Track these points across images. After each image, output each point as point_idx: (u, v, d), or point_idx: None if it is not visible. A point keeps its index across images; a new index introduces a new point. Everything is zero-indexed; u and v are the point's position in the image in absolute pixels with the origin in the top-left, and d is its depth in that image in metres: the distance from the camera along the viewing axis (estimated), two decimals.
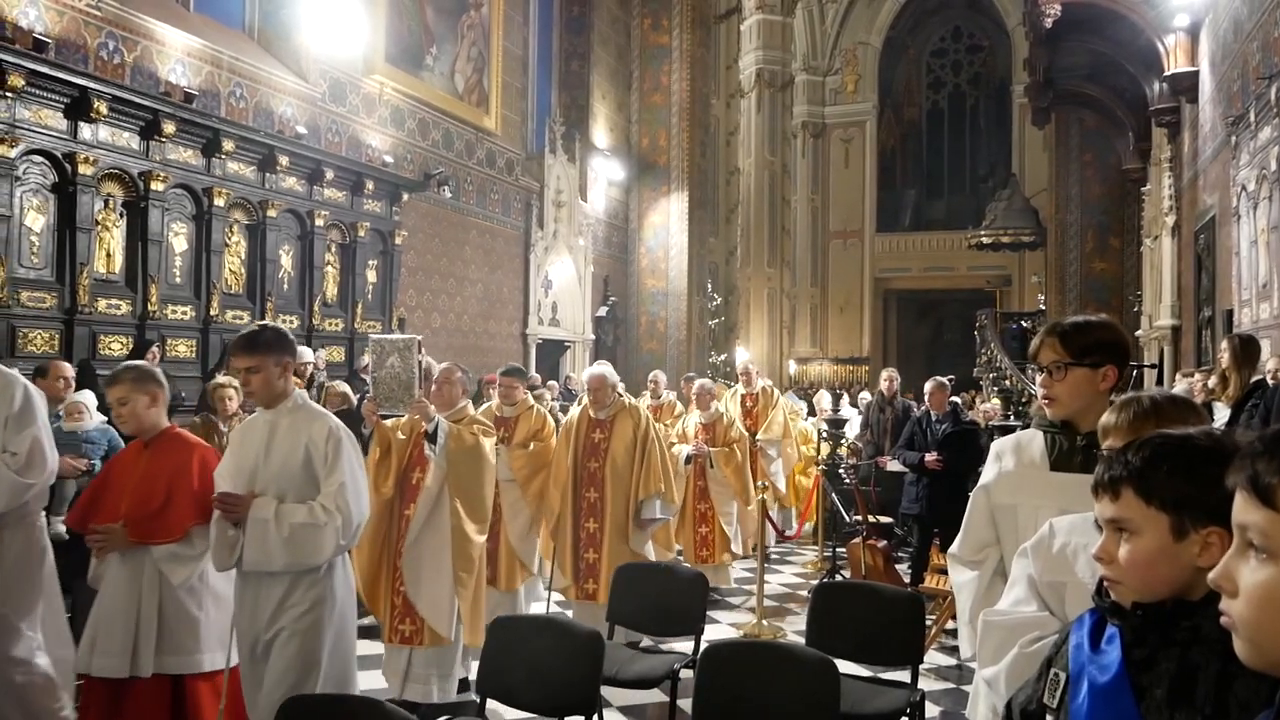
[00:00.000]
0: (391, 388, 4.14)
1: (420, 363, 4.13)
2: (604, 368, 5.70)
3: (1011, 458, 2.29)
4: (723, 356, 18.18)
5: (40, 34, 7.15)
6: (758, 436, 8.07)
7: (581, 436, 5.54)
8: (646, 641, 4.83)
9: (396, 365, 4.09)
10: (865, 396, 12.62)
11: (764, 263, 22.39)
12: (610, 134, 16.94)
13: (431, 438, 4.23)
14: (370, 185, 10.41)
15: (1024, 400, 13.14)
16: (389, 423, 4.46)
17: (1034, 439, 2.27)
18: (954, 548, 2.36)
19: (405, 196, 11.17)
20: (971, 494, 2.38)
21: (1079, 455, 2.16)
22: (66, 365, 5.51)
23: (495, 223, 13.72)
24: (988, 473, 2.34)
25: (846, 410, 11.52)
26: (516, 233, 14.28)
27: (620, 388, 8.64)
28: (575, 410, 5.79)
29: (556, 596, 5.67)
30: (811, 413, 10.98)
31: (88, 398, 5.47)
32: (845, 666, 3.11)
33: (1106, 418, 1.75)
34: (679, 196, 17.31)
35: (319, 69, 10.21)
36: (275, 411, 3.09)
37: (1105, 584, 1.30)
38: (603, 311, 16.38)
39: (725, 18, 19.36)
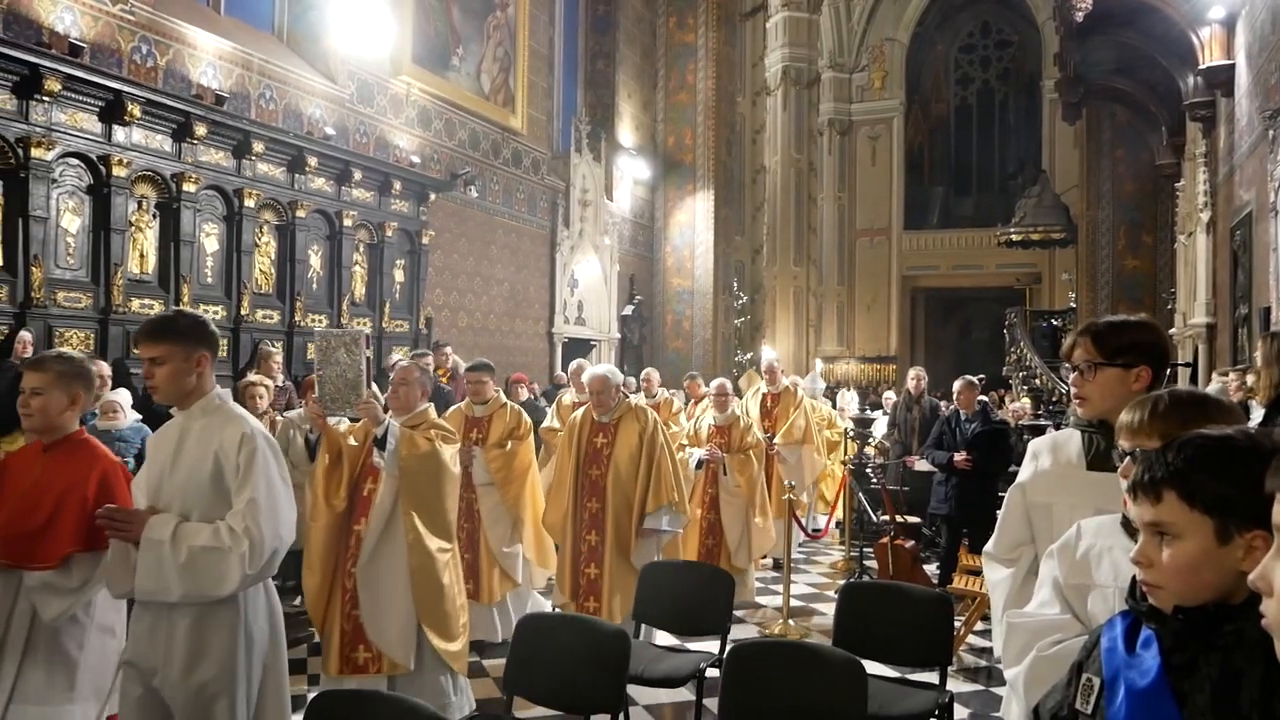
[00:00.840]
0: (338, 387, 3.76)
1: (368, 359, 3.78)
2: (606, 367, 5.32)
3: (1048, 456, 2.27)
4: (748, 355, 18.13)
5: (76, 39, 7.27)
6: (775, 439, 7.69)
7: (583, 441, 5.12)
8: (673, 640, 4.83)
9: (344, 361, 3.73)
10: (890, 396, 12.51)
11: (790, 261, 22.29)
12: (636, 133, 16.94)
13: (381, 443, 3.81)
14: (398, 185, 10.49)
15: (1054, 399, 13.00)
16: (343, 426, 4.08)
17: (1071, 438, 2.25)
18: (989, 546, 2.35)
19: (432, 196, 11.24)
20: (1007, 492, 2.36)
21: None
22: (103, 364, 5.61)
23: (521, 222, 13.77)
24: (1024, 471, 2.33)
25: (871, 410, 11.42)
26: (543, 232, 14.32)
27: (654, 384, 8.55)
28: (578, 413, 5.36)
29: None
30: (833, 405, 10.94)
31: (123, 396, 5.56)
32: (872, 667, 3.09)
33: (1123, 416, 1.72)
34: (705, 195, 17.29)
35: (347, 70, 10.29)
36: (187, 414, 2.65)
37: (1143, 588, 1.27)
38: (628, 310, 16.39)
39: (751, 15, 19.31)
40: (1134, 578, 1.31)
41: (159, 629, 2.53)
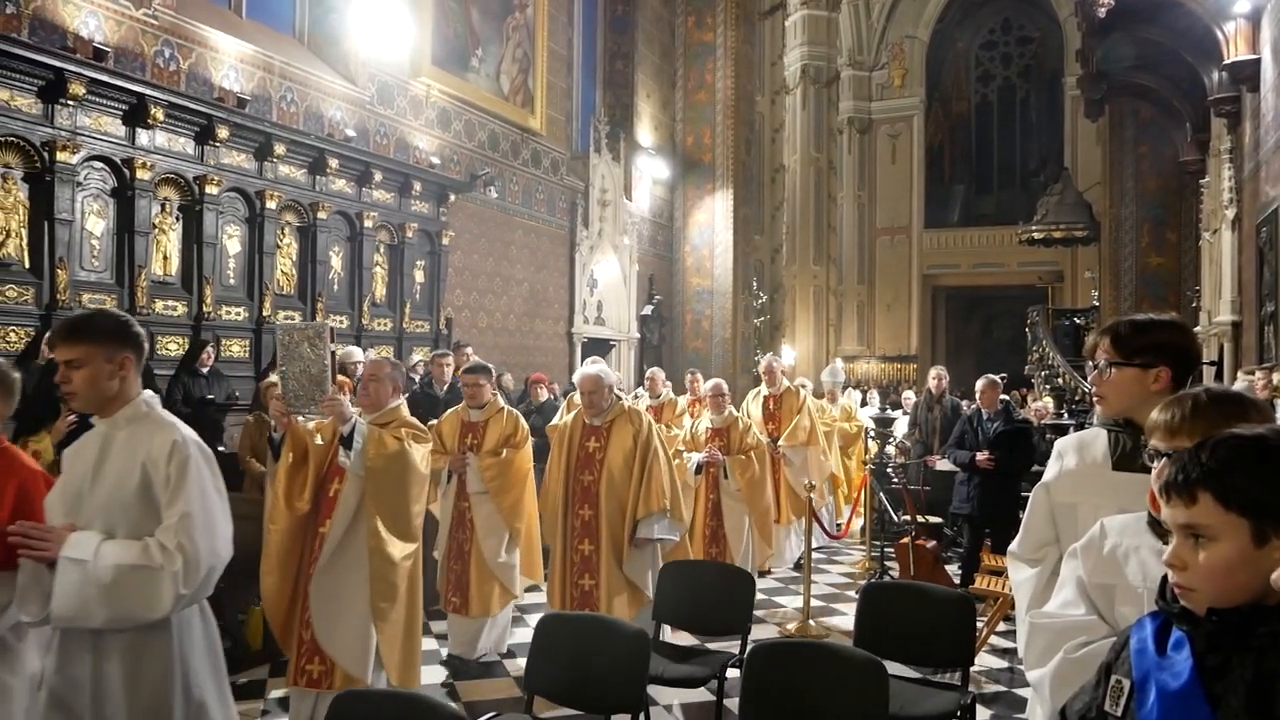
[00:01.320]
0: (301, 383, 3.59)
1: (333, 353, 3.59)
2: (598, 366, 5.04)
3: (1074, 456, 2.25)
4: (768, 355, 18.08)
5: (100, 43, 7.35)
6: (779, 442, 7.52)
7: (575, 446, 4.87)
8: (693, 640, 4.82)
9: (308, 356, 3.56)
10: (910, 396, 12.43)
11: (810, 260, 22.24)
12: (655, 133, 16.94)
13: (347, 442, 3.63)
14: (418, 186, 10.53)
15: (1077, 399, 12.90)
16: (312, 424, 3.85)
17: (1098, 437, 2.23)
18: (1014, 545, 2.34)
19: (452, 197, 11.28)
20: (1032, 491, 2.34)
21: (1141, 455, 2.12)
22: None
23: (541, 222, 13.80)
24: (1050, 470, 2.31)
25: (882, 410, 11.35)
26: (562, 232, 14.35)
27: (658, 383, 8.32)
28: (569, 416, 5.15)
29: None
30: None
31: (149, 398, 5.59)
32: (894, 668, 3.08)
33: (1152, 416, 1.71)
34: (724, 194, 17.27)
35: (367, 72, 10.35)
36: (110, 422, 2.41)
37: (1175, 590, 1.26)
38: (648, 310, 16.39)
39: (770, 14, 19.26)
40: (1164, 578, 1.29)
41: (81, 659, 2.28)
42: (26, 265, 6.93)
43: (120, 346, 2.40)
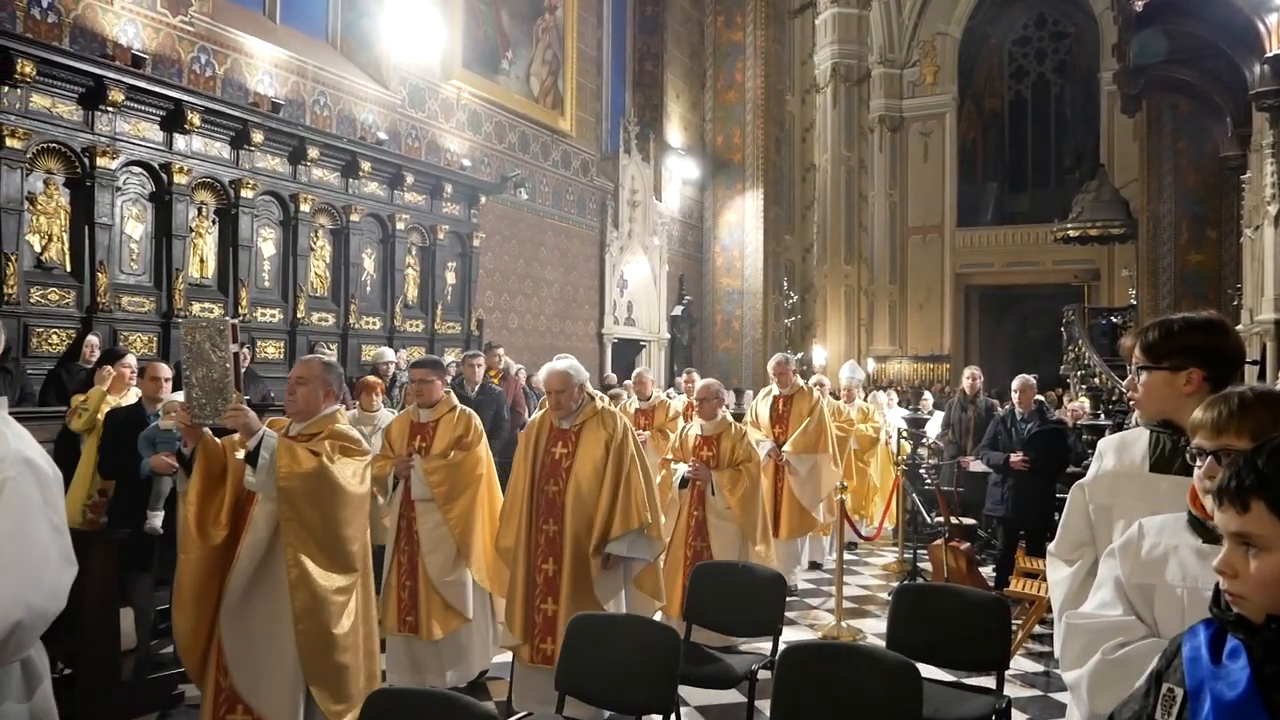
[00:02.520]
0: (205, 390, 3.08)
1: (237, 354, 3.08)
2: (565, 362, 4.34)
3: (1113, 457, 2.23)
4: (799, 355, 18.01)
5: (138, 51, 7.48)
6: (784, 448, 6.92)
7: (540, 451, 4.27)
8: (724, 642, 4.81)
9: (211, 358, 3.05)
10: (927, 397, 12.20)
11: (841, 260, 22.11)
12: (685, 133, 16.93)
13: (253, 459, 3.08)
14: (449, 189, 10.61)
15: (1113, 399, 12.71)
16: (235, 437, 3.21)
17: (1139, 438, 2.21)
18: (1053, 545, 2.32)
19: (483, 199, 11.35)
20: (1070, 491, 2.32)
21: (1181, 457, 2.08)
22: (163, 366, 5.75)
23: (571, 223, 13.84)
24: (1090, 470, 2.29)
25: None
26: (592, 233, 14.38)
27: (647, 385, 7.81)
28: (536, 416, 4.50)
29: (505, 655, 4.60)
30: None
31: (180, 399, 5.70)
32: (927, 671, 3.05)
33: (1196, 414, 1.68)
34: (754, 194, 17.22)
35: (399, 76, 10.44)
36: None
37: (1228, 598, 1.23)
38: (678, 310, 16.38)
39: (800, 12, 19.18)
40: (1216, 586, 1.26)
41: None
42: (68, 269, 7.07)
43: None
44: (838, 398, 9.90)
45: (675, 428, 6.61)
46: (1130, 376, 2.15)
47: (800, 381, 7.38)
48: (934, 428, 9.70)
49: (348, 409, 6.36)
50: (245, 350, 3.00)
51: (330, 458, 3.18)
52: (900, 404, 12.86)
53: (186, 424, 3.13)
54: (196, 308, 7.90)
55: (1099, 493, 2.22)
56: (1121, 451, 2.22)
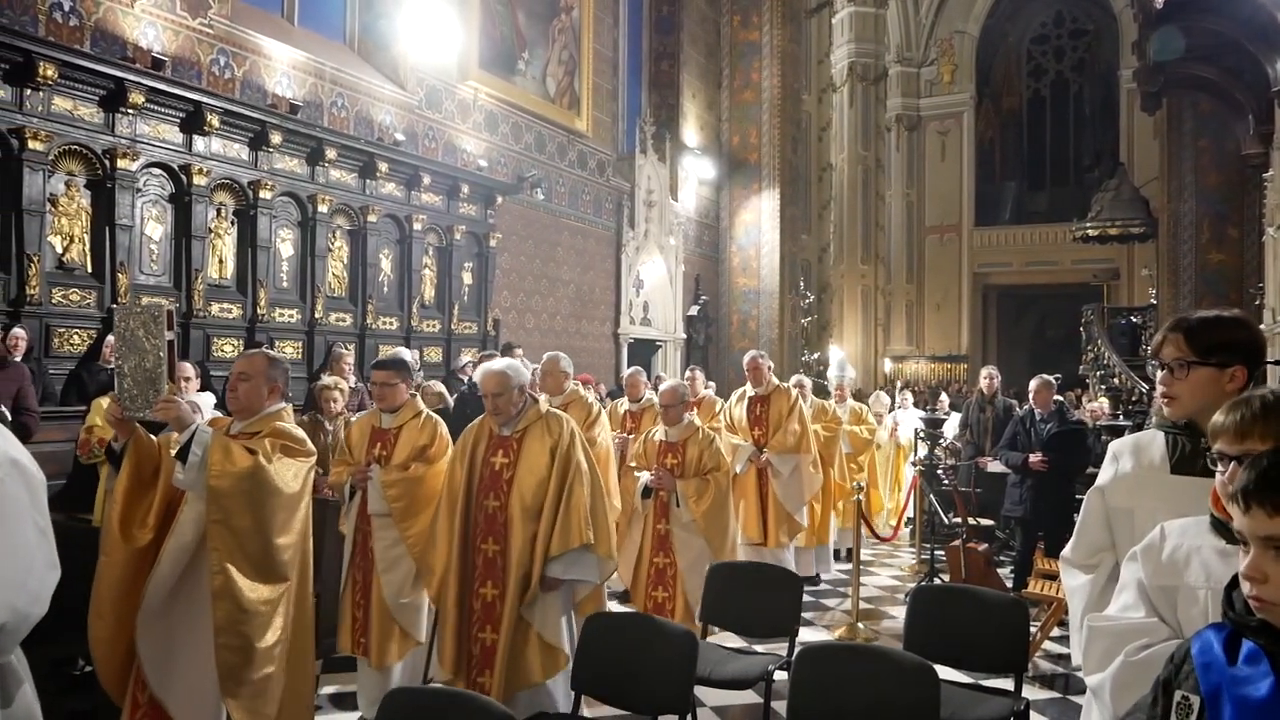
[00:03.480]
0: (137, 380, 2.90)
1: (171, 343, 2.90)
2: (503, 362, 3.96)
3: (1130, 459, 2.19)
4: (815, 355, 17.95)
5: (158, 53, 7.55)
6: (764, 451, 6.56)
7: (479, 461, 3.83)
8: (740, 642, 4.80)
9: (144, 347, 2.88)
10: (943, 398, 11.89)
11: (858, 259, 22.04)
12: (701, 133, 16.92)
13: (184, 455, 2.86)
14: (465, 189, 10.64)
15: (1133, 399, 12.60)
16: (172, 435, 2.98)
17: (1154, 440, 2.17)
18: (1066, 551, 2.28)
19: (499, 199, 11.38)
20: (1086, 495, 2.29)
21: (1203, 458, 2.06)
22: (188, 366, 5.80)
23: (587, 224, 13.85)
24: (1104, 474, 2.25)
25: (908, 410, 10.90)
26: (608, 233, 14.39)
27: (641, 387, 7.12)
28: (475, 422, 4.03)
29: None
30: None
31: (205, 400, 5.74)
32: (945, 672, 3.03)
33: (1216, 418, 1.65)
34: (770, 194, 17.18)
35: (416, 77, 10.48)
36: None
37: (1253, 603, 1.20)
38: (694, 310, 16.37)
39: (816, 11, 19.12)
40: (1228, 590, 1.25)
41: None
42: (89, 269, 7.14)
43: None
44: (860, 398, 9.93)
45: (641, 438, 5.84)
46: (1163, 372, 2.09)
47: (777, 380, 6.90)
48: (951, 428, 9.65)
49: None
50: (175, 336, 2.79)
51: (269, 457, 2.97)
52: (916, 404, 12.65)
53: (117, 416, 2.93)
54: (216, 308, 7.97)
55: (1118, 496, 2.19)
56: (1138, 454, 2.19)
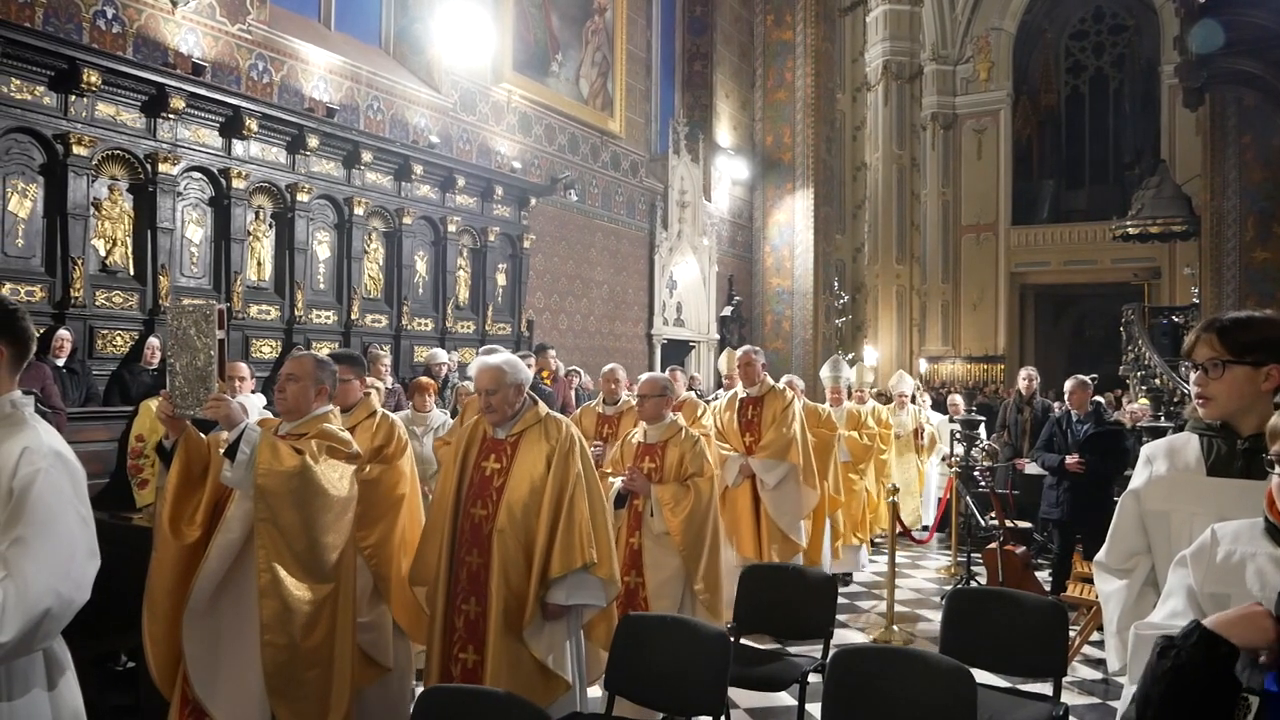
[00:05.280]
0: (188, 379, 2.91)
1: (223, 341, 2.91)
2: (499, 357, 3.60)
3: (1164, 462, 2.16)
4: (850, 355, 17.84)
5: (198, 59, 7.67)
6: (752, 459, 5.71)
7: (469, 466, 3.52)
8: (774, 644, 4.78)
9: (195, 345, 2.89)
10: (956, 400, 10.86)
11: (893, 259, 21.89)
12: (734, 133, 16.87)
13: (233, 452, 2.87)
14: (499, 191, 10.70)
15: (1175, 400, 12.37)
16: (221, 434, 2.97)
17: (1189, 442, 2.14)
18: (1100, 555, 2.25)
19: (533, 201, 11.42)
20: (1119, 499, 2.25)
21: (1239, 460, 2.02)
22: (243, 366, 5.84)
23: (620, 225, 13.87)
24: (1138, 477, 2.22)
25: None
26: (641, 234, 14.39)
27: (621, 385, 6.05)
28: (469, 423, 3.75)
29: None
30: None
31: (254, 401, 5.79)
32: (981, 676, 3.00)
33: (1274, 421, 1.61)
34: (804, 194, 17.09)
35: (450, 80, 10.56)
36: None
37: None
38: (727, 311, 16.33)
39: (850, 10, 19.01)
40: None
41: None
42: (131, 272, 7.27)
43: None
44: (888, 401, 9.66)
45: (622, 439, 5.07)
46: (1198, 373, 2.06)
47: (771, 380, 6.07)
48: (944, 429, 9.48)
49: (399, 410, 6.45)
50: (225, 335, 2.89)
51: (315, 457, 2.98)
52: (936, 407, 12.16)
53: (168, 414, 2.94)
54: (254, 309, 8.08)
55: (1154, 499, 2.16)
56: (1172, 456, 2.16)
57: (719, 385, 10.01)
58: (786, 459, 5.65)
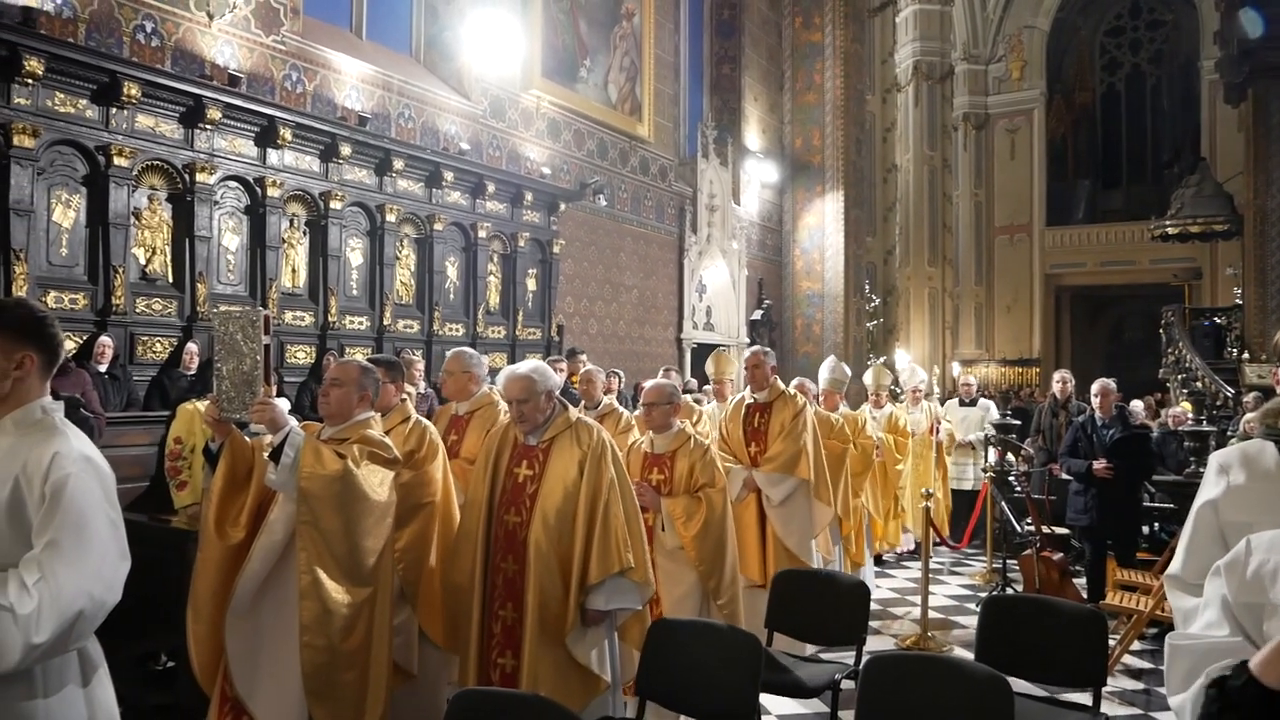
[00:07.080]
0: (235, 383, 3.00)
1: (268, 347, 2.99)
2: (529, 365, 3.61)
3: (1241, 471, 2.08)
4: (881, 359, 17.70)
5: (234, 70, 7.79)
6: (756, 473, 5.19)
7: (502, 471, 3.55)
8: (807, 650, 4.75)
9: (242, 350, 2.99)
10: (952, 404, 10.23)
11: (924, 261, 21.67)
12: (763, 136, 16.83)
13: (277, 455, 2.93)
14: (529, 197, 10.75)
15: (1217, 404, 12.14)
16: (264, 440, 3.05)
17: (1264, 449, 2.06)
18: (1174, 569, 2.17)
19: (562, 206, 11.47)
20: (1194, 510, 2.17)
21: None
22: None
23: (650, 229, 13.88)
24: (1213, 487, 2.13)
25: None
26: (670, 238, 14.39)
27: (597, 386, 5.75)
28: (498, 427, 3.82)
29: None
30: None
31: (282, 404, 5.87)
32: (1018, 685, 2.96)
33: None
34: (834, 196, 17.01)
35: (480, 87, 10.63)
36: None
37: None
38: (757, 315, 16.28)
39: (880, 10, 18.88)
40: None
41: None
42: (170, 280, 7.40)
43: (21, 341, 2.02)
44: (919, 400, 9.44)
45: (627, 443, 4.73)
46: None
47: (782, 385, 5.51)
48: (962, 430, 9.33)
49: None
50: (271, 341, 3.00)
51: (356, 462, 3.04)
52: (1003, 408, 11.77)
53: (215, 418, 3.05)
54: (289, 316, 8.18)
55: (1234, 510, 2.08)
56: (1249, 465, 2.08)
57: (701, 386, 9.53)
58: (794, 474, 5.13)
